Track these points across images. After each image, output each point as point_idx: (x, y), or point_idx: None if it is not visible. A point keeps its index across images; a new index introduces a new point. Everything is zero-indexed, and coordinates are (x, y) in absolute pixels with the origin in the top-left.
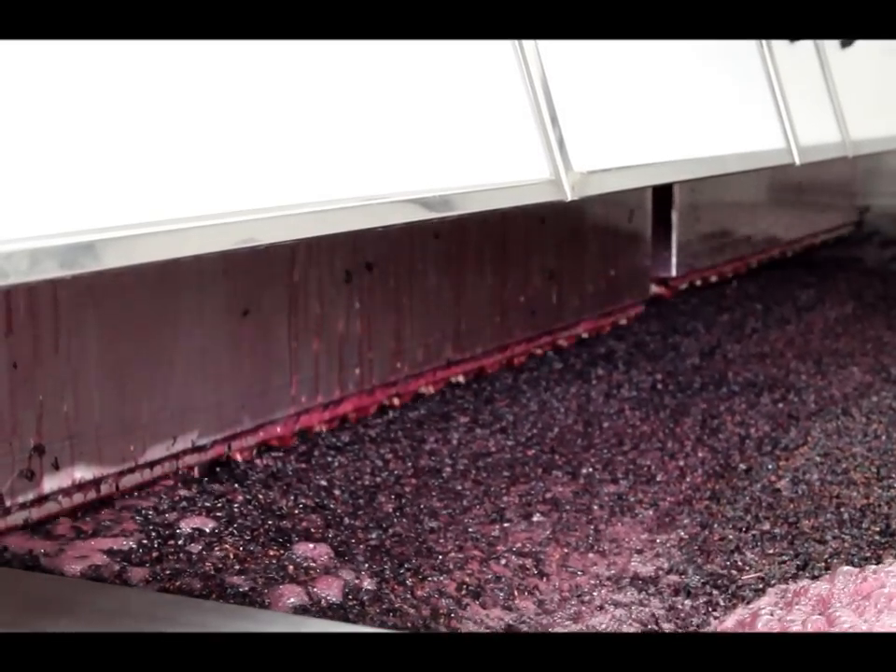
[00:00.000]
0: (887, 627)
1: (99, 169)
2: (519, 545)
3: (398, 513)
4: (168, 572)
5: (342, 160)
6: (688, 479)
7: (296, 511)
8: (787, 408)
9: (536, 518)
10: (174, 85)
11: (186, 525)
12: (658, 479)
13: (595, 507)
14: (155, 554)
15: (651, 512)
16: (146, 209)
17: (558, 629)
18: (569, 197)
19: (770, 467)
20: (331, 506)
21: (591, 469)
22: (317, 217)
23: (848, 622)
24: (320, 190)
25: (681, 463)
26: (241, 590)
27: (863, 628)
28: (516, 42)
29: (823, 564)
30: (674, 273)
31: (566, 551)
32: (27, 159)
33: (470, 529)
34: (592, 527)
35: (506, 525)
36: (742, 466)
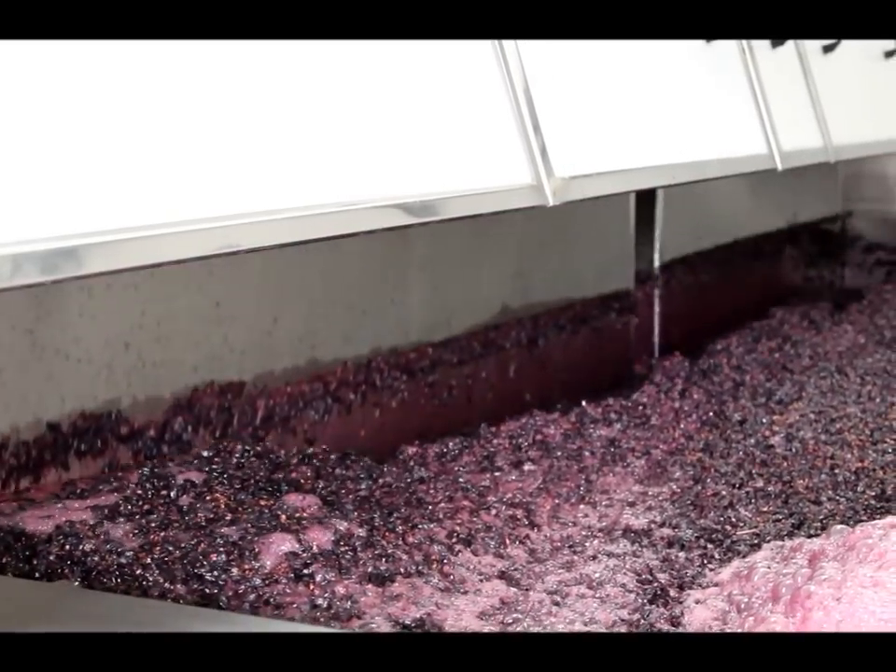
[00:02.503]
0: (859, 577)
1: (81, 174)
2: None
3: None
4: None
5: (323, 165)
6: (682, 425)
7: None
8: (782, 359)
9: (526, 467)
10: (156, 91)
11: None
12: (653, 422)
13: (587, 453)
14: None
15: (642, 461)
16: (128, 214)
17: (551, 577)
18: (551, 202)
19: (764, 421)
20: None
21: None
22: (299, 222)
23: (828, 573)
24: (302, 196)
25: (676, 405)
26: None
27: (838, 578)
28: (498, 47)
29: (819, 524)
30: None
31: (557, 502)
32: (8, 164)
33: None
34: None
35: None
36: (736, 416)
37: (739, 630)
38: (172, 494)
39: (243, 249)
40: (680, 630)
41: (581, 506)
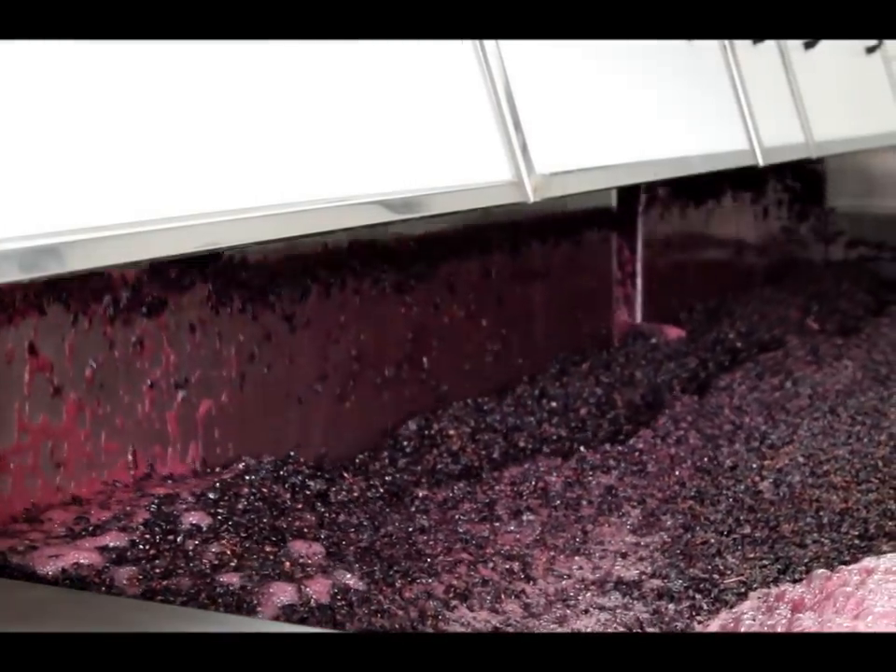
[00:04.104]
0: (835, 627)
1: (62, 172)
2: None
3: None
4: None
5: (304, 162)
6: (677, 472)
7: None
8: (782, 399)
9: (525, 517)
10: (136, 89)
11: None
12: (649, 468)
13: (585, 503)
14: None
15: (637, 511)
16: (109, 212)
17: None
18: (531, 199)
19: (754, 466)
20: None
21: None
22: (280, 219)
23: (804, 623)
24: (283, 193)
25: (672, 451)
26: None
27: (813, 629)
28: (479, 47)
29: (803, 567)
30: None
31: (552, 554)
32: None
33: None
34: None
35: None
36: (728, 462)
37: None
38: (178, 539)
39: (223, 247)
40: (682, 631)
41: (577, 558)
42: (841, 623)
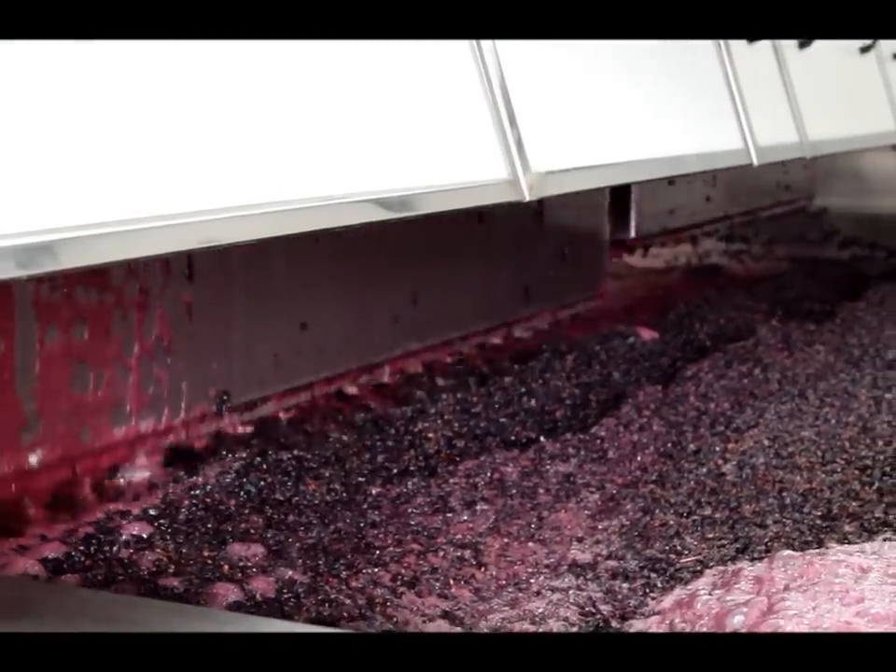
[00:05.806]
0: (835, 616)
1: (57, 168)
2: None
3: None
4: None
5: (301, 160)
6: (639, 458)
7: None
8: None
9: (479, 507)
10: (131, 84)
11: None
12: (610, 455)
13: (542, 490)
14: None
15: (596, 496)
16: (104, 209)
17: (494, 615)
18: (527, 197)
19: (717, 449)
20: None
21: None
22: (276, 217)
23: (795, 607)
24: (279, 191)
25: (634, 437)
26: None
27: (812, 616)
28: (475, 45)
29: (763, 547)
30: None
31: (506, 541)
32: None
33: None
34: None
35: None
36: (692, 446)
37: None
38: (114, 549)
39: (220, 244)
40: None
41: (531, 544)
42: (840, 618)
